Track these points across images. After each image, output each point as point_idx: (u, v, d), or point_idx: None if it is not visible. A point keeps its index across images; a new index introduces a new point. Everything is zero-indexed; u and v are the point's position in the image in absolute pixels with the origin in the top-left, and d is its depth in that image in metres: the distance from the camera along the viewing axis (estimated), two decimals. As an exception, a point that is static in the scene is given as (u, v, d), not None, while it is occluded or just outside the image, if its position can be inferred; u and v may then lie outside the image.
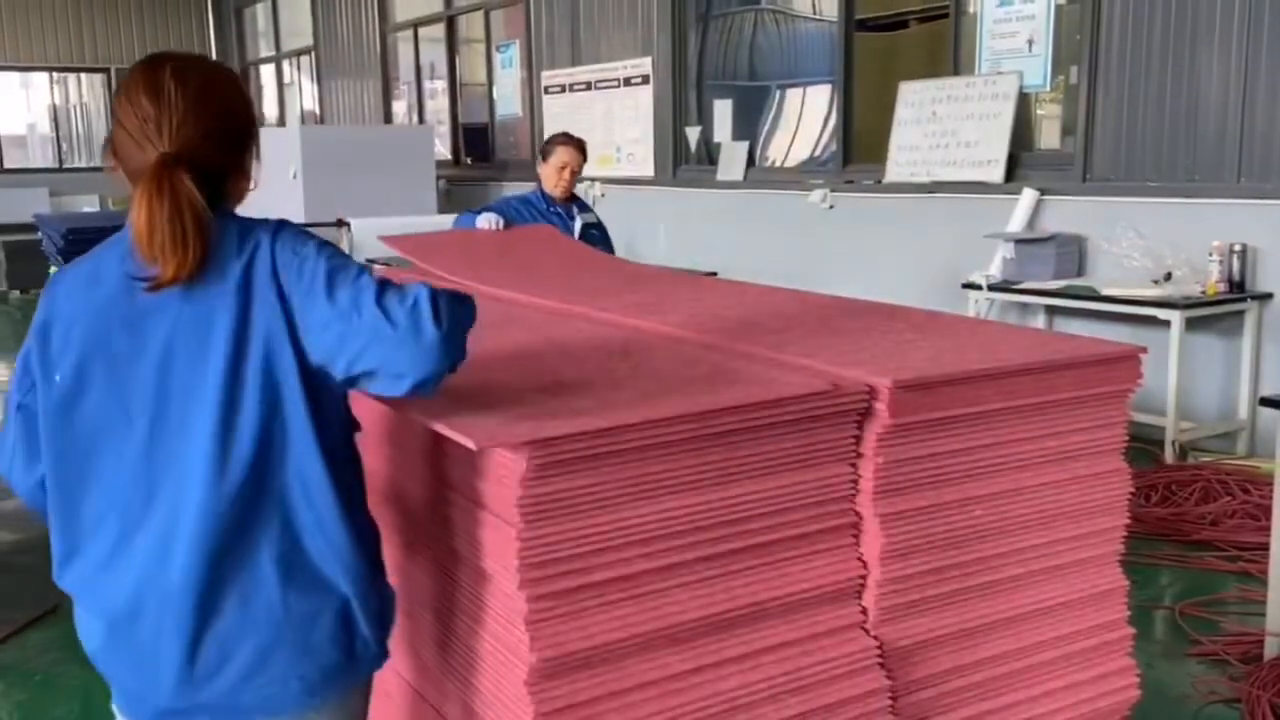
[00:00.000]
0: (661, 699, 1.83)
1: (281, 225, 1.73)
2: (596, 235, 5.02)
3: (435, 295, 1.59)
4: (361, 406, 1.97)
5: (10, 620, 3.83)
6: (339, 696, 1.74)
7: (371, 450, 2.27)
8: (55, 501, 1.70)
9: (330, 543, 1.67)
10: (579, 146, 5.05)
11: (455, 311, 1.62)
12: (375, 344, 1.57)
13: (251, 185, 1.83)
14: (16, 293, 11.84)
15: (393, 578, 2.17)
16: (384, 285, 1.60)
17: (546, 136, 5.32)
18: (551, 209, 4.96)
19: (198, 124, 1.65)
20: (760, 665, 1.90)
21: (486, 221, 4.55)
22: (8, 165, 16.51)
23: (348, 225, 7.55)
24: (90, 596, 1.71)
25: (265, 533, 1.63)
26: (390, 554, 2.19)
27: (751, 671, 1.89)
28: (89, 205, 15.76)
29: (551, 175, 4.99)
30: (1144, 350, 2.23)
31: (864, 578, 1.99)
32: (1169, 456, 5.23)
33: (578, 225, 4.97)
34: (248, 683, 1.64)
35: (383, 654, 1.80)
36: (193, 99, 1.65)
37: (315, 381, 1.63)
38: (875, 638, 2.00)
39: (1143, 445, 5.20)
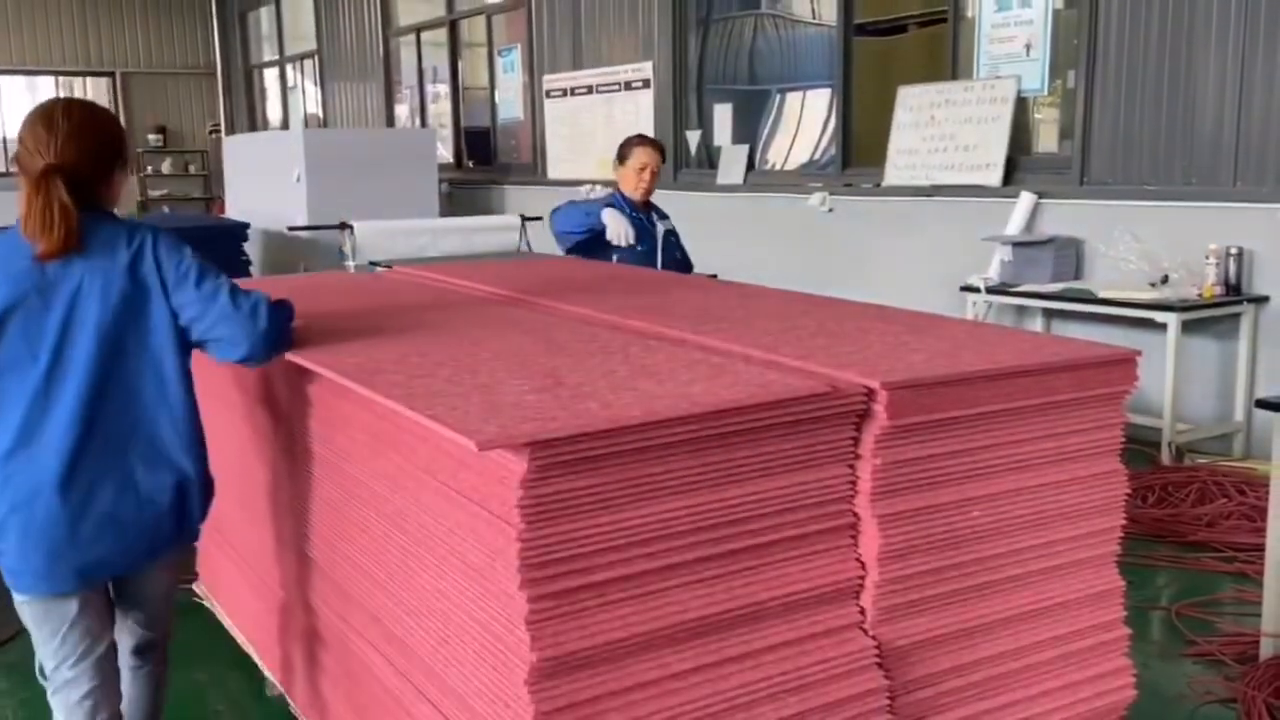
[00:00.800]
0: (662, 698, 1.83)
1: (160, 230, 2.34)
2: (675, 244, 4.83)
3: (267, 300, 2.33)
4: (366, 412, 1.98)
5: (12, 621, 3.82)
6: (171, 556, 2.47)
7: (373, 453, 2.27)
8: None
9: (181, 437, 2.33)
10: (657, 147, 4.82)
11: (278, 314, 2.35)
12: (223, 322, 2.28)
13: (120, 195, 2.40)
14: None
15: (393, 574, 2.18)
16: (234, 287, 2.31)
17: (623, 140, 4.95)
18: (635, 214, 4.64)
19: (76, 146, 2.25)
20: (760, 665, 1.90)
21: (613, 220, 4.43)
22: (14, 169, 16.49)
23: (350, 228, 7.54)
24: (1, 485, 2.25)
25: (132, 435, 2.28)
26: (390, 552, 2.20)
27: (751, 671, 1.90)
28: (94, 208, 15.73)
29: (631, 178, 4.72)
30: (1138, 354, 2.24)
31: (862, 578, 2.00)
32: (1165, 458, 5.22)
33: (660, 232, 4.72)
34: (112, 548, 2.27)
35: (199, 528, 2.47)
36: (74, 128, 2.27)
37: (178, 335, 2.30)
38: (873, 638, 2.00)
39: (1139, 447, 5.20)
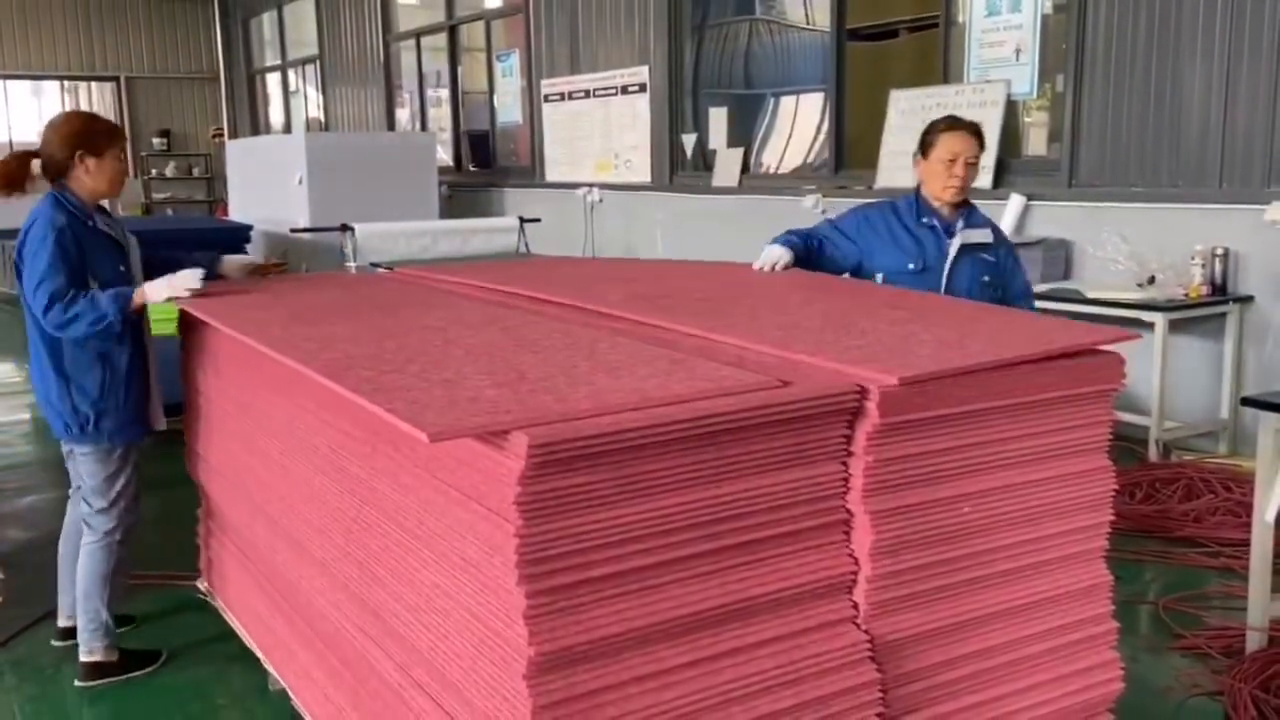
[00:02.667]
0: (658, 692, 1.83)
1: (34, 221, 3.25)
2: (989, 265, 3.41)
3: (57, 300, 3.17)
4: (364, 410, 1.97)
5: (21, 616, 3.82)
6: (82, 445, 3.35)
7: (373, 449, 2.27)
8: None
9: (56, 366, 3.28)
10: (972, 130, 3.41)
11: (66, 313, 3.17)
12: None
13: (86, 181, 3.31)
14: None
15: (394, 570, 2.17)
16: (52, 293, 3.16)
17: (926, 126, 3.52)
18: (922, 222, 3.42)
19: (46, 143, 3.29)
20: (754, 659, 1.90)
21: (767, 256, 3.38)
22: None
23: (352, 230, 7.53)
24: None
25: (46, 356, 3.29)
26: (391, 549, 2.20)
27: (746, 665, 1.90)
28: (99, 210, 15.70)
29: (938, 174, 3.38)
30: (1132, 336, 2.25)
31: (855, 573, 2.00)
32: (1153, 455, 5.23)
33: (953, 247, 3.38)
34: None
35: (100, 435, 3.32)
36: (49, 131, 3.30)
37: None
38: (866, 632, 2.00)
39: (1127, 444, 5.20)
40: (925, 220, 3.42)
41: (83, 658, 3.40)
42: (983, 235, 3.42)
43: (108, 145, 3.30)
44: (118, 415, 3.33)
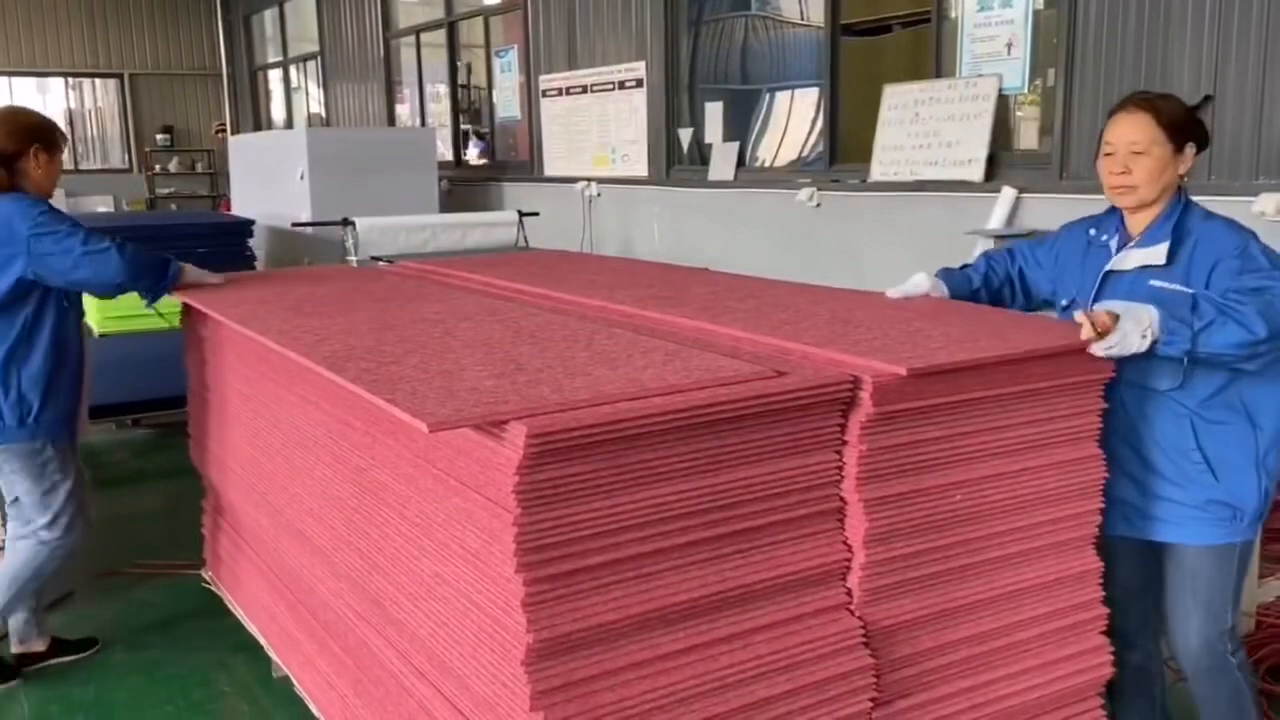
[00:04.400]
0: (655, 678, 1.83)
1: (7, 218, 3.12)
2: (1156, 295, 2.27)
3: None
4: (364, 400, 1.97)
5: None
6: (13, 443, 3.18)
7: (373, 440, 2.27)
8: None
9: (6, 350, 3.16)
10: (1145, 106, 2.37)
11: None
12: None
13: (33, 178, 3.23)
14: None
15: (394, 558, 2.17)
16: (92, 234, 3.15)
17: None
18: (1099, 239, 2.50)
19: None
20: (750, 645, 1.90)
21: (915, 286, 2.75)
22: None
23: (353, 224, 7.52)
24: None
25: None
26: (392, 538, 2.20)
27: (741, 651, 1.90)
28: (103, 205, 15.75)
29: (1103, 172, 2.47)
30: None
31: (849, 560, 2.00)
32: (1143, 444, 5.22)
33: (1103, 268, 2.44)
34: None
35: (37, 429, 3.18)
36: None
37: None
38: (860, 618, 2.00)
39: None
40: (1102, 237, 2.50)
41: (15, 650, 3.42)
42: (1153, 255, 2.35)
43: (60, 144, 3.31)
44: (55, 408, 3.21)
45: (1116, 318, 2.12)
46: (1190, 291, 2.24)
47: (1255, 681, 2.53)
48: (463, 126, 11.83)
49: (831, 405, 1.94)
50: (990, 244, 6.00)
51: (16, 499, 3.27)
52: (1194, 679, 2.44)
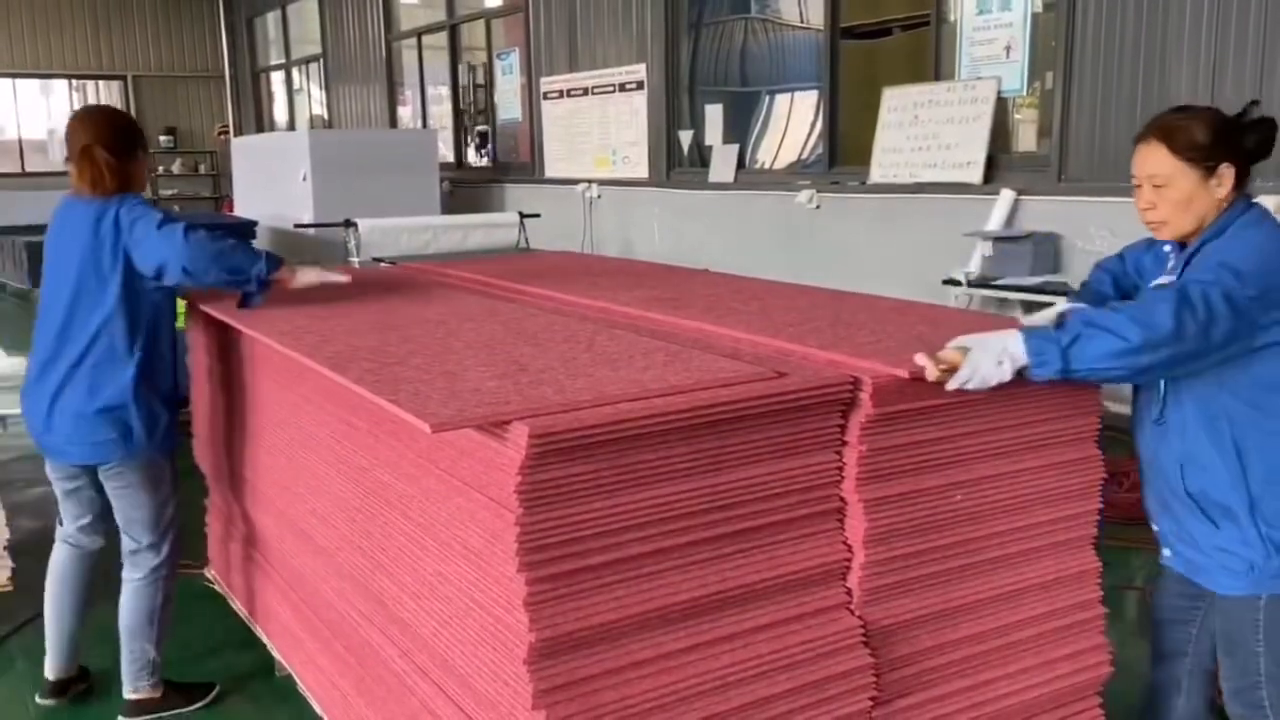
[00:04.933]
0: (656, 676, 1.83)
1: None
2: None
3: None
4: (368, 401, 1.97)
5: (31, 604, 3.81)
6: (138, 461, 2.91)
7: (376, 440, 2.27)
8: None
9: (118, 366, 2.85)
10: (1160, 134, 2.18)
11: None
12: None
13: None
14: (38, 290, 11.79)
15: (397, 558, 2.17)
16: (185, 224, 2.84)
17: None
18: (1162, 249, 2.30)
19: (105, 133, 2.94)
20: (750, 644, 1.91)
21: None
22: (29, 169, 16.47)
23: (355, 225, 7.52)
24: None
25: (121, 352, 2.85)
26: (395, 537, 2.20)
27: (742, 650, 1.90)
28: (107, 207, 15.69)
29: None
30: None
31: (849, 560, 2.00)
32: (1140, 445, 5.22)
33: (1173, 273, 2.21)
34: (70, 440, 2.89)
35: (152, 447, 2.91)
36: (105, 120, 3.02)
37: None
38: (859, 617, 2.00)
39: (1116, 434, 5.19)
40: (1165, 248, 2.30)
41: (127, 694, 3.09)
42: (1168, 277, 2.20)
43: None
44: (173, 417, 2.98)
45: (966, 351, 1.99)
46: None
47: None
48: (479, 128, 11.83)
49: (832, 406, 1.94)
50: (989, 246, 6.00)
51: (129, 527, 2.99)
52: None
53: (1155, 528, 2.28)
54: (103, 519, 3.06)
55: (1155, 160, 2.16)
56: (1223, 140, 2.12)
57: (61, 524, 3.12)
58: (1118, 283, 2.43)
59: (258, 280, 2.87)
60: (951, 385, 1.97)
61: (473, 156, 12.01)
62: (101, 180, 2.87)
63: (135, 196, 2.93)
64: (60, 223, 2.97)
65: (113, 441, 2.85)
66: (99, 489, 3.00)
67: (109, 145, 2.89)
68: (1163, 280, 2.22)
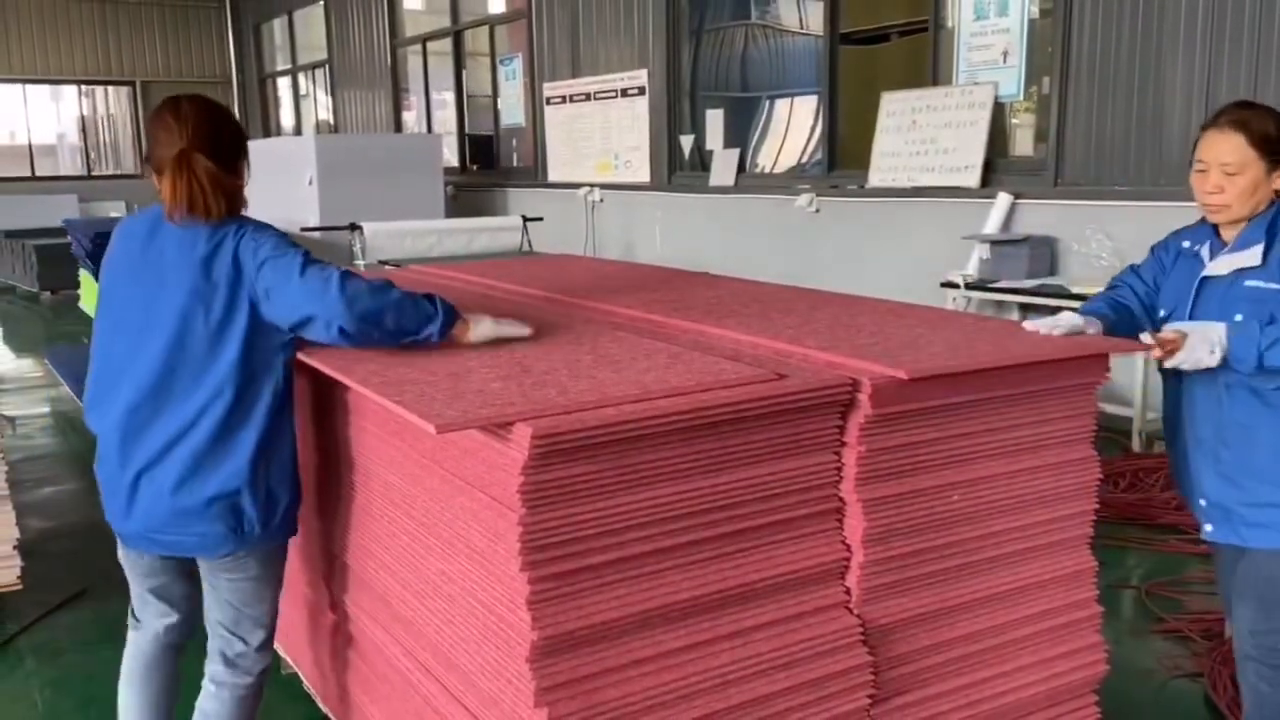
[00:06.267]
0: (657, 674, 1.82)
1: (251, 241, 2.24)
2: (1255, 294, 2.29)
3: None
4: (371, 402, 1.97)
5: (42, 602, 3.82)
6: (254, 551, 2.28)
7: (380, 441, 2.26)
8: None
9: (232, 444, 2.19)
10: (1236, 124, 2.31)
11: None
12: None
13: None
14: (48, 293, 11.81)
15: (401, 557, 2.17)
16: (338, 269, 2.19)
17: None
18: (1191, 249, 2.46)
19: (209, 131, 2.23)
20: (750, 642, 1.90)
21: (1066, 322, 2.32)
22: (39, 173, 16.50)
23: (360, 229, 7.53)
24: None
25: (239, 424, 2.19)
26: (398, 537, 2.19)
27: (742, 648, 1.90)
28: (115, 211, 15.75)
29: (1195, 188, 2.40)
30: (1144, 346, 2.28)
31: (847, 560, 1.99)
32: (1136, 445, 5.23)
33: (1196, 281, 2.39)
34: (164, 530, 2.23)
35: (271, 535, 2.28)
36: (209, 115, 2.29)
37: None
38: (858, 616, 2.00)
39: (1111, 435, 5.20)
40: (1191, 245, 2.47)
41: None
42: (1247, 258, 2.32)
43: None
44: (295, 498, 2.34)
45: (1184, 336, 2.24)
46: None
47: None
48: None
49: (831, 407, 1.94)
50: (986, 249, 6.00)
51: (236, 626, 2.36)
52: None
53: (1202, 502, 2.41)
54: (196, 614, 2.44)
55: (1232, 148, 2.29)
56: None
57: (137, 620, 2.47)
58: (1140, 298, 2.55)
59: (428, 340, 2.20)
60: (1170, 364, 2.24)
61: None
62: (203, 199, 2.14)
63: (253, 222, 2.23)
64: (140, 250, 2.23)
65: (222, 534, 2.21)
66: (190, 577, 2.39)
67: (214, 152, 2.17)
68: (1227, 262, 2.34)
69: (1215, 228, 2.41)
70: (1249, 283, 2.31)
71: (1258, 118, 2.30)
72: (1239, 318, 2.27)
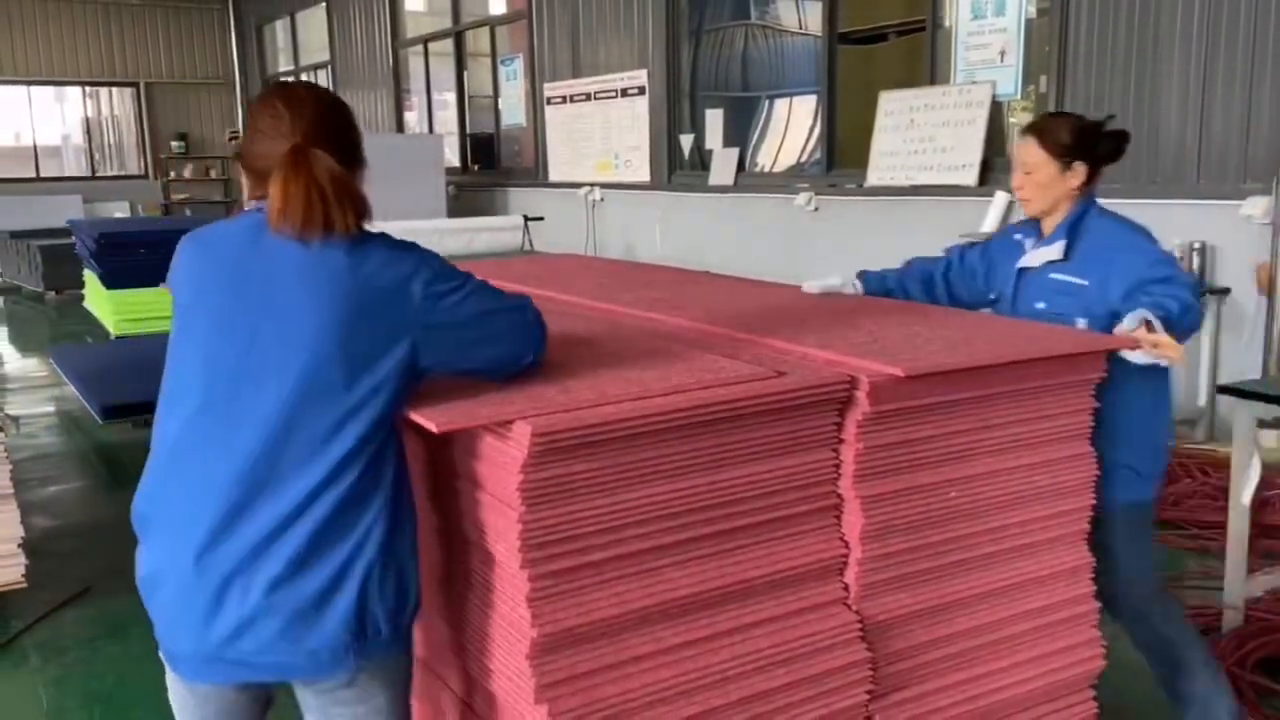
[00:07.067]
0: (656, 670, 1.82)
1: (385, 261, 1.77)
2: (1059, 286, 2.60)
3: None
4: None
5: (47, 601, 3.83)
6: (376, 665, 1.72)
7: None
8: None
9: (359, 519, 1.66)
10: (1033, 130, 2.67)
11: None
12: None
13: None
14: (52, 293, 11.82)
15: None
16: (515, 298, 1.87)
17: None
18: (1020, 241, 2.75)
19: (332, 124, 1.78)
20: (749, 638, 1.90)
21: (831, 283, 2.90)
22: (44, 174, 16.51)
23: (362, 228, 7.51)
24: None
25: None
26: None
27: (741, 645, 1.89)
28: (119, 211, 15.78)
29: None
30: (1135, 343, 2.24)
31: (846, 556, 1.99)
32: (1133, 442, 5.22)
33: (1014, 270, 2.71)
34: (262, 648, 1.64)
35: (399, 639, 1.75)
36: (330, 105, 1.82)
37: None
38: (856, 612, 1.99)
39: (1109, 431, 5.19)
40: (1020, 238, 2.76)
41: None
42: (1053, 252, 2.63)
43: None
44: (419, 592, 1.79)
45: (1147, 322, 2.26)
46: (1084, 283, 2.55)
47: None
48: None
49: (829, 405, 1.94)
50: (984, 247, 5.99)
51: None
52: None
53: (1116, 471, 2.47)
54: None
55: (1027, 151, 2.65)
56: (1080, 145, 2.61)
57: None
58: (905, 280, 2.98)
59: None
60: (1142, 360, 2.23)
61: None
62: (322, 208, 1.64)
63: (393, 239, 1.74)
64: (233, 277, 1.70)
65: (344, 645, 1.64)
66: (265, 703, 1.84)
67: (339, 150, 1.71)
68: (1038, 255, 2.67)
69: (1039, 223, 2.72)
70: (1054, 275, 2.62)
71: (1053, 126, 2.66)
72: (1041, 305, 2.62)
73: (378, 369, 1.66)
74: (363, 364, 1.65)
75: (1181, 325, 2.28)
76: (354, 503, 1.64)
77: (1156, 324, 2.22)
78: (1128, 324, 2.25)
